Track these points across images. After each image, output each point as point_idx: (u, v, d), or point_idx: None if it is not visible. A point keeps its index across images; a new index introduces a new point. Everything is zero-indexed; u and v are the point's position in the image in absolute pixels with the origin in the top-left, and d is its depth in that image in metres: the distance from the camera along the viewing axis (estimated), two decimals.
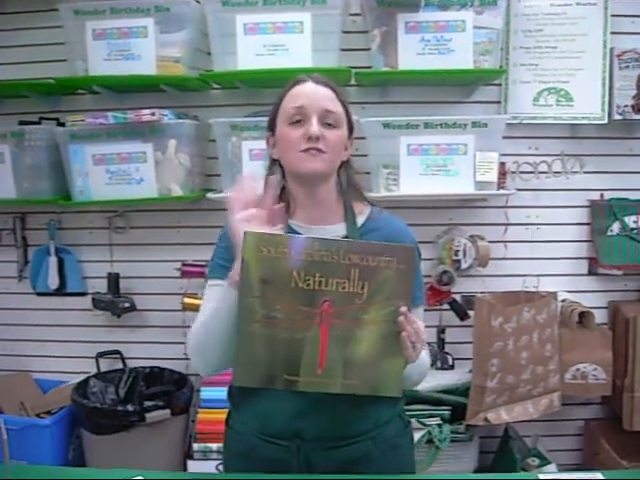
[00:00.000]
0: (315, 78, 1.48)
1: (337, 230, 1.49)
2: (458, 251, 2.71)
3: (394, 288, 1.25)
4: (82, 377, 2.82)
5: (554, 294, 2.61)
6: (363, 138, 2.47)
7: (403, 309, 1.26)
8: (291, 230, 1.48)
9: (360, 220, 1.53)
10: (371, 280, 1.25)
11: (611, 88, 2.69)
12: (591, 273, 2.84)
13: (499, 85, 2.75)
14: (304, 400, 1.39)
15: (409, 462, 1.61)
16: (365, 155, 2.49)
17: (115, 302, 2.81)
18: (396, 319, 1.26)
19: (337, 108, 1.46)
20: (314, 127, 1.41)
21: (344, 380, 1.29)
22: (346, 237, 1.47)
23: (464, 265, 2.72)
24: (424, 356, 1.49)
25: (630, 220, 2.75)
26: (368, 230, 1.50)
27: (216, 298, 1.39)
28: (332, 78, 1.53)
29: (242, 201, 1.33)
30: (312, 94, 1.44)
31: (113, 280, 2.84)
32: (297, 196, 1.51)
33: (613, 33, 2.68)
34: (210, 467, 2.54)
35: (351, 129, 1.52)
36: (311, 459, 1.44)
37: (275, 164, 1.52)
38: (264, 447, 1.47)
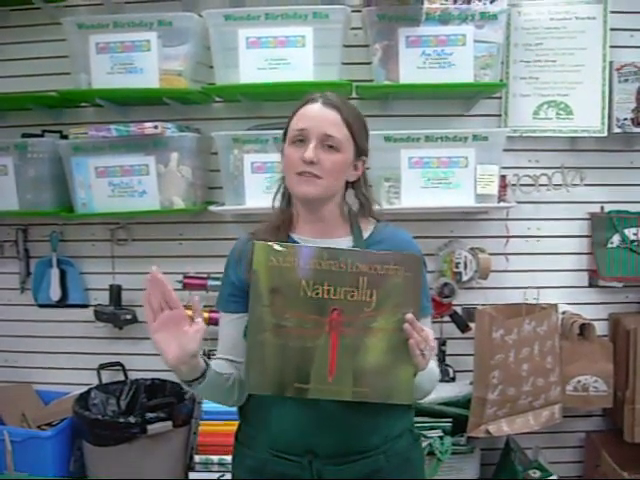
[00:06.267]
0: (325, 98, 1.47)
1: (342, 243, 1.51)
2: (459, 263, 2.72)
3: (402, 296, 1.27)
4: (83, 389, 2.81)
5: (555, 306, 2.61)
6: None
7: (409, 316, 1.26)
8: (295, 244, 1.50)
9: (366, 234, 1.55)
10: (379, 288, 1.27)
11: (610, 101, 2.70)
12: (592, 285, 2.85)
13: (499, 98, 2.76)
14: (316, 415, 1.40)
15: (420, 476, 1.61)
16: (367, 168, 2.50)
17: (117, 314, 2.81)
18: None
19: (339, 132, 1.46)
20: (309, 152, 1.42)
21: (354, 388, 1.30)
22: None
23: (465, 277, 2.73)
24: (433, 366, 1.51)
25: (630, 232, 2.76)
26: (374, 242, 1.52)
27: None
28: (343, 98, 1.54)
29: (152, 307, 1.29)
30: (316, 116, 1.45)
31: (115, 292, 2.84)
32: (300, 211, 1.53)
33: (612, 47, 2.70)
34: (211, 479, 2.53)
35: (360, 149, 1.53)
36: (323, 474, 1.45)
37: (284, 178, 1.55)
38: (275, 463, 1.47)
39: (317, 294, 1.27)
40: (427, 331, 1.29)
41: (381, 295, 1.27)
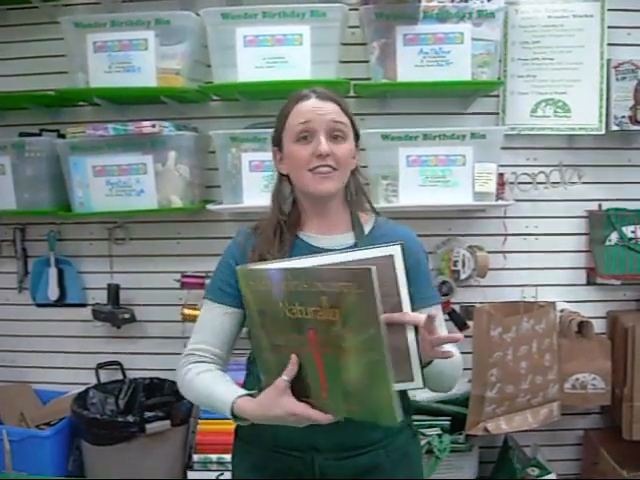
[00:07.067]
0: (319, 93, 1.47)
1: (346, 239, 1.51)
2: (457, 261, 2.72)
3: (361, 314, 1.16)
4: (82, 388, 2.81)
5: (553, 304, 2.61)
6: (362, 149, 2.46)
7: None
8: (301, 241, 1.51)
9: (367, 228, 1.55)
10: (340, 306, 1.17)
11: (608, 99, 2.70)
12: (590, 283, 2.85)
13: (497, 96, 2.76)
14: None
15: (418, 471, 1.61)
16: (364, 166, 2.49)
17: (115, 313, 2.81)
18: (373, 346, 1.16)
19: (343, 118, 1.47)
20: (323, 145, 1.41)
21: (346, 406, 1.26)
22: (355, 245, 1.49)
23: (463, 275, 2.72)
24: (454, 351, 1.42)
25: (628, 230, 2.76)
26: (375, 237, 1.51)
27: (215, 395, 1.40)
28: (333, 90, 1.54)
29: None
30: (317, 109, 1.44)
31: (113, 291, 2.84)
32: (307, 209, 1.53)
33: (610, 45, 2.70)
34: (210, 478, 2.54)
35: (357, 138, 1.54)
36: (324, 470, 1.45)
37: (284, 179, 1.54)
38: (277, 459, 1.47)
39: (293, 314, 1.23)
40: (440, 335, 1.23)
41: (343, 313, 1.17)
